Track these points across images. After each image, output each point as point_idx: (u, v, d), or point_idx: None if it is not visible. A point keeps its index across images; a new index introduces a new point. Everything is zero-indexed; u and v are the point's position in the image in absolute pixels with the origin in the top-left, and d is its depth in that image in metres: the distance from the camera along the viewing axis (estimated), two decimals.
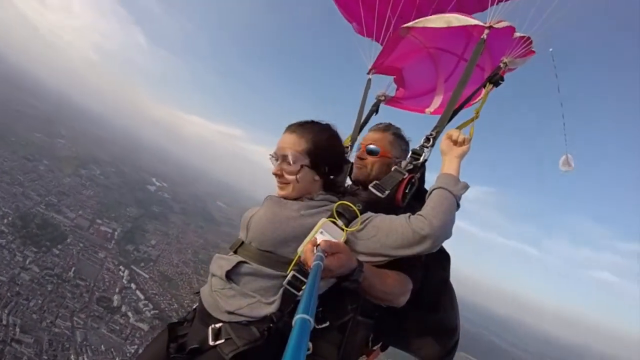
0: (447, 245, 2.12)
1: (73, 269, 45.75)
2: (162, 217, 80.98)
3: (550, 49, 2.68)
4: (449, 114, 2.43)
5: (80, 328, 38.03)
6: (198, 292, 2.09)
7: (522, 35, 2.57)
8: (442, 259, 2.36)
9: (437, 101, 3.50)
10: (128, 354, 38.01)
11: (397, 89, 3.70)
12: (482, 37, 2.54)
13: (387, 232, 1.84)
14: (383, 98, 3.48)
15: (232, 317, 1.80)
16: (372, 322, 2.18)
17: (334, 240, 1.71)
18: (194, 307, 2.19)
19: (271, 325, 1.75)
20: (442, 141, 2.26)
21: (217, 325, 1.82)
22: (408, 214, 1.92)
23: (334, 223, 1.79)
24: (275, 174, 2.08)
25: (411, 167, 2.27)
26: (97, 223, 60.81)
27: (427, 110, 3.53)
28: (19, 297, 36.76)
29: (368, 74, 3.40)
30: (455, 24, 2.67)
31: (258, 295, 1.82)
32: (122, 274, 51.65)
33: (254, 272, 1.86)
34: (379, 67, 3.43)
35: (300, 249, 1.73)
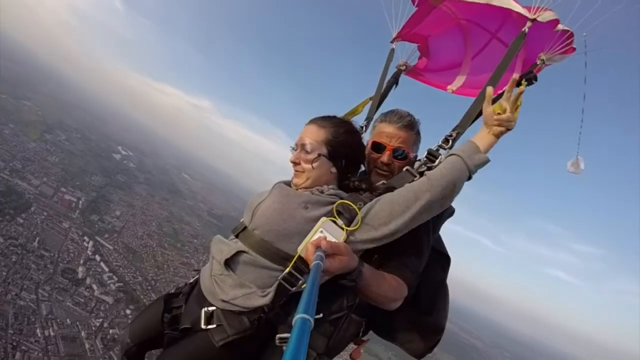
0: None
1: (37, 239, 44.76)
2: (127, 187, 79.79)
3: (585, 34, 2.35)
4: (474, 114, 2.26)
5: (45, 301, 37.67)
6: (198, 270, 2.21)
7: (564, 28, 2.35)
8: (442, 260, 2.42)
9: (461, 79, 3.27)
10: (93, 327, 38.14)
11: (420, 58, 3.51)
12: (523, 29, 2.35)
13: (390, 204, 1.89)
14: (404, 67, 3.32)
15: (226, 306, 1.85)
16: (365, 320, 2.20)
17: (334, 240, 1.70)
18: (191, 281, 2.29)
19: (262, 315, 1.81)
20: (489, 110, 2.02)
21: (210, 309, 1.89)
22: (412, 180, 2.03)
23: (334, 222, 1.78)
24: (293, 162, 2.12)
25: (424, 169, 2.18)
26: (62, 191, 59.30)
27: (449, 87, 3.33)
28: None
29: (392, 42, 3.20)
30: (496, 3, 2.53)
31: (254, 287, 1.85)
32: (86, 244, 51.32)
33: (252, 262, 1.89)
34: (404, 35, 3.23)
35: (300, 249, 1.73)
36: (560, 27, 2.35)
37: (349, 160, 2.17)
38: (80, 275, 44.82)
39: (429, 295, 2.31)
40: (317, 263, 1.25)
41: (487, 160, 1.98)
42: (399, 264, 2.02)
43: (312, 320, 0.75)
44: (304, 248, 1.68)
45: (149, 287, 50.30)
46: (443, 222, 2.44)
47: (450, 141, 2.23)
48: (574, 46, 2.41)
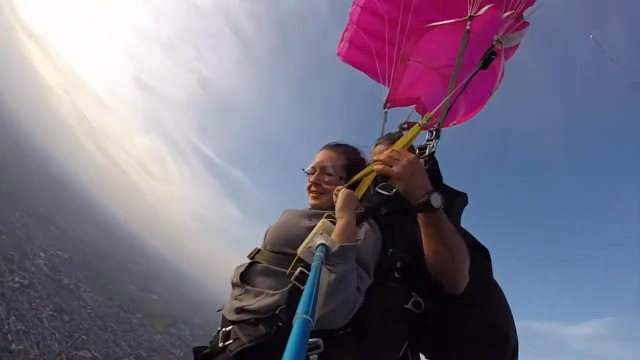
0: None
1: None
2: None
3: (591, 36, 3.09)
4: (447, 108, 2.42)
5: None
6: (220, 309, 2.12)
7: (510, 12, 2.62)
8: (479, 252, 2.12)
9: (459, 114, 3.27)
10: None
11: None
12: (465, 28, 2.55)
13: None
14: (406, 126, 3.26)
15: (242, 316, 1.79)
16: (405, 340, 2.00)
17: (332, 238, 1.68)
18: (219, 328, 2.14)
19: (280, 324, 1.69)
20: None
21: (228, 328, 1.83)
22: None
23: (333, 222, 1.81)
24: (313, 183, 2.21)
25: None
26: None
27: (451, 124, 3.30)
28: None
29: (384, 108, 3.45)
30: (436, 24, 2.78)
31: (267, 291, 1.82)
32: None
33: (264, 270, 1.91)
34: (394, 101, 3.45)
35: (300, 250, 1.71)
36: (507, 13, 2.61)
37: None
38: None
39: (473, 286, 1.93)
40: (317, 264, 1.29)
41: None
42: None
43: (312, 321, 0.77)
44: (304, 249, 1.71)
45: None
46: (460, 211, 2.35)
47: (434, 132, 2.32)
48: (527, 21, 2.76)
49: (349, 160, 2.26)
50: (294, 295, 1.69)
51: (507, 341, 2.01)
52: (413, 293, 1.92)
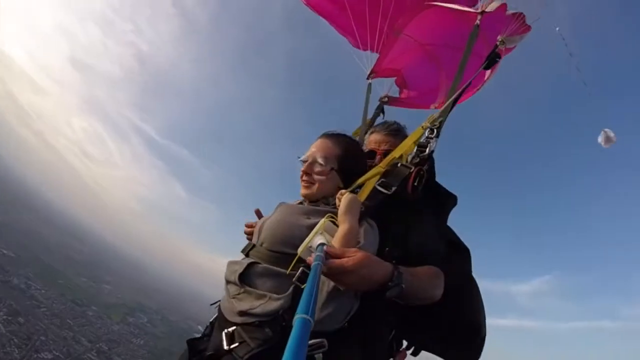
0: None
1: None
2: None
3: (557, 28, 2.82)
4: (451, 104, 2.42)
5: None
6: (214, 303, 2.14)
7: (514, 12, 2.61)
8: (460, 252, 2.31)
9: (442, 97, 3.32)
10: None
11: (401, 91, 3.72)
12: (475, 22, 2.56)
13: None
14: (386, 100, 3.49)
15: (245, 319, 1.76)
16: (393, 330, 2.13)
17: (333, 240, 1.69)
18: (211, 320, 2.17)
19: (284, 324, 1.68)
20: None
21: (231, 329, 1.78)
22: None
23: (334, 222, 1.78)
24: (304, 172, 2.16)
25: (418, 160, 2.23)
26: None
27: (432, 105, 3.45)
28: None
29: (367, 79, 3.45)
30: (445, 5, 2.74)
31: (269, 294, 1.78)
32: None
33: (265, 271, 1.86)
34: (378, 72, 3.46)
35: (300, 250, 1.68)
36: (510, 11, 2.61)
37: (355, 176, 2.21)
38: None
39: (453, 285, 2.01)
40: (317, 263, 1.29)
41: None
42: (421, 253, 1.96)
43: (312, 320, 0.77)
44: (304, 249, 1.69)
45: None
46: (449, 211, 2.41)
47: (435, 130, 2.32)
48: (529, 24, 2.68)
49: (344, 151, 2.19)
50: (297, 297, 1.69)
51: (479, 334, 2.17)
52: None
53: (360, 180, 2.15)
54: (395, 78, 3.61)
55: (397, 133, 2.72)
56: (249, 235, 2.28)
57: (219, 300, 2.05)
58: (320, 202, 2.12)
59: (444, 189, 2.36)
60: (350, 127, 3.19)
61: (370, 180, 2.12)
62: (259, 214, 2.41)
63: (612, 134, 2.73)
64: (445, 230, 2.32)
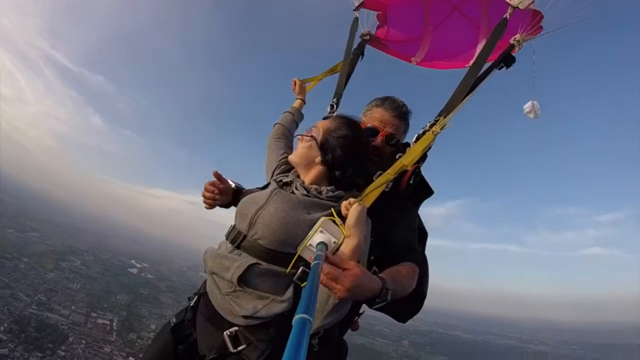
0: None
1: None
2: (153, 299, 78.06)
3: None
4: (459, 102, 2.27)
5: None
6: (197, 293, 2.19)
7: (536, 9, 2.39)
8: (421, 235, 2.38)
9: (423, 51, 3.25)
10: None
11: (379, 27, 3.41)
12: (505, 16, 2.36)
13: None
14: (368, 37, 3.25)
15: (250, 321, 1.79)
16: None
17: (334, 240, 1.70)
18: (191, 304, 2.17)
19: (285, 321, 1.76)
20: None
21: (233, 330, 1.81)
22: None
23: (334, 222, 1.75)
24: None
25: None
26: (93, 316, 58.00)
27: (412, 59, 3.31)
28: None
29: (355, 10, 3.14)
30: None
31: (272, 295, 1.81)
32: None
33: (266, 272, 1.85)
34: (367, 3, 3.16)
35: (300, 248, 1.72)
36: (532, 5, 2.38)
37: (336, 157, 2.07)
38: None
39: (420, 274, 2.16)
40: (317, 263, 1.28)
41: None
42: (404, 248, 2.08)
43: (312, 320, 0.77)
44: (304, 247, 1.69)
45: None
46: (422, 202, 2.46)
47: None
48: (542, 25, 2.49)
49: (333, 128, 2.09)
50: (298, 296, 1.75)
51: (424, 298, 2.24)
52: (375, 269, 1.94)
53: (368, 190, 2.02)
54: (378, 13, 3.29)
55: (404, 117, 2.48)
56: (209, 199, 2.30)
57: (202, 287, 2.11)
58: (312, 189, 2.02)
59: (428, 185, 2.32)
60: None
61: (378, 189, 2.00)
62: (218, 176, 2.30)
63: (538, 107, 2.47)
64: (417, 219, 2.34)
